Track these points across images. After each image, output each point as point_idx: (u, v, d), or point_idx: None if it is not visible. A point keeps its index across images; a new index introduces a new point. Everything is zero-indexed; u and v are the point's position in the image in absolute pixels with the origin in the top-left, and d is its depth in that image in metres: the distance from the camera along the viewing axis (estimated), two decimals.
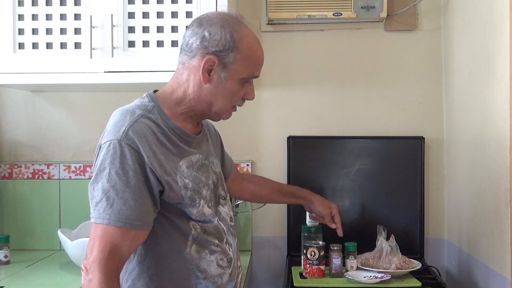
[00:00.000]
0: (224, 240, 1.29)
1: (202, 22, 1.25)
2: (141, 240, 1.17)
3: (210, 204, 1.28)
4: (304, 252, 1.83)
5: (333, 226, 1.75)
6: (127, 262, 1.20)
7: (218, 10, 1.83)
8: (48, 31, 1.90)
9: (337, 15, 2.08)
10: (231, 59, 1.23)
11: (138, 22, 1.87)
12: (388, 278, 1.74)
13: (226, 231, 1.31)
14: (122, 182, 1.12)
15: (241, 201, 2.03)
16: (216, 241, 1.27)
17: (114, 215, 1.11)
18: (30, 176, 2.23)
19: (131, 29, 1.87)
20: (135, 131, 1.15)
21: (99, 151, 1.17)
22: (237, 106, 1.33)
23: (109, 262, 1.10)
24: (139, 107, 1.23)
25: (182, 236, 1.22)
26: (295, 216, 2.11)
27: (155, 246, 1.21)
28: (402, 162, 2.13)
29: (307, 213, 1.91)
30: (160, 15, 1.87)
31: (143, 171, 1.14)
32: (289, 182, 2.15)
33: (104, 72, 1.85)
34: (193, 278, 1.23)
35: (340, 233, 1.76)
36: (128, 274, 1.22)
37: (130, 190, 1.12)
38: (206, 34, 1.22)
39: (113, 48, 1.84)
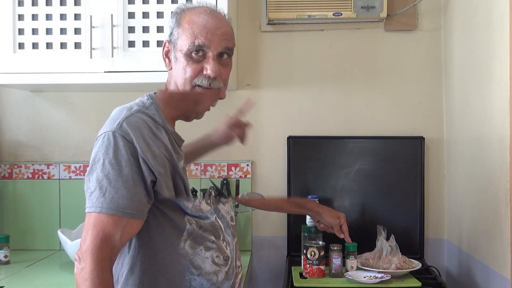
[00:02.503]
0: (221, 238, 1.29)
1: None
2: (134, 230, 1.17)
3: (209, 201, 1.28)
4: (304, 252, 1.83)
5: (341, 236, 1.78)
6: (122, 256, 1.20)
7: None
8: (48, 31, 1.90)
9: (337, 15, 2.08)
10: (175, 36, 1.26)
11: (138, 22, 1.87)
12: (388, 278, 1.74)
13: (223, 229, 1.31)
14: (115, 172, 1.13)
15: None
16: (212, 237, 1.26)
17: (106, 203, 1.12)
18: (30, 176, 2.23)
19: (131, 29, 1.87)
20: (129, 123, 1.17)
21: (95, 143, 1.19)
22: (210, 87, 1.26)
23: (101, 251, 1.10)
24: (137, 104, 1.25)
25: (176, 230, 1.22)
26: (295, 216, 2.11)
27: (149, 240, 1.21)
28: (402, 162, 2.13)
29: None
30: (160, 15, 1.87)
31: (136, 162, 1.15)
32: (289, 182, 2.15)
33: (104, 72, 1.85)
34: (187, 273, 1.22)
35: (348, 241, 1.79)
36: (124, 268, 1.22)
37: (123, 179, 1.13)
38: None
39: (113, 48, 1.84)
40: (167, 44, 1.30)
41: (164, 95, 1.29)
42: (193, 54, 1.24)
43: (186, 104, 1.28)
